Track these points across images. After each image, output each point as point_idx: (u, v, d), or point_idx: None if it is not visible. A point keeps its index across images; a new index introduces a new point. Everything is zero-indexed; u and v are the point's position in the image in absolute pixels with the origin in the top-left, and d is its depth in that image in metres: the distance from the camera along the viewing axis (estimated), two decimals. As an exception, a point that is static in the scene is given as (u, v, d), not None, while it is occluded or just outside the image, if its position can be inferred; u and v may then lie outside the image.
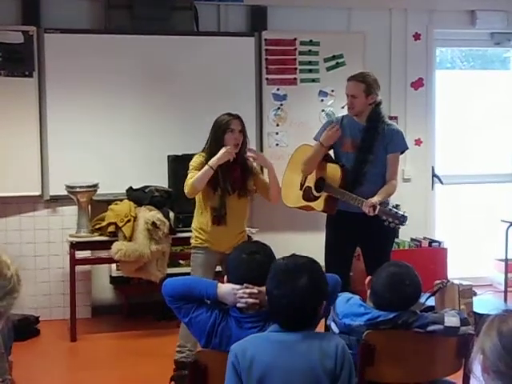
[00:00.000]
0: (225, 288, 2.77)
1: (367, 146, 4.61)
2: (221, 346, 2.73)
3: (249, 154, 4.61)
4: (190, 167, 4.55)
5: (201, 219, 4.60)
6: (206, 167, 4.41)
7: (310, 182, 4.82)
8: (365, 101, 4.60)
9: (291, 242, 6.42)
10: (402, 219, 4.28)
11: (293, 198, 4.96)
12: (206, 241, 4.57)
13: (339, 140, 4.71)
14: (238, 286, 2.73)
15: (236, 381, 2.41)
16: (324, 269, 4.47)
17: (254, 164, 4.72)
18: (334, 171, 4.70)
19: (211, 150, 4.51)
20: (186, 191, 4.49)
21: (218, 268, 4.69)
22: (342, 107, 4.83)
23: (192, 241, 4.67)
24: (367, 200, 4.38)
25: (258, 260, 2.78)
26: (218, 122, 4.57)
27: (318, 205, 4.75)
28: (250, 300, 2.70)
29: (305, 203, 4.85)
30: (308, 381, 2.39)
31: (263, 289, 2.69)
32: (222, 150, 4.42)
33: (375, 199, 4.38)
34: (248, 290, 2.71)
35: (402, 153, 4.76)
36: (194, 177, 4.43)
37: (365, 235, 4.63)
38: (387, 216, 4.28)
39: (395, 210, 4.35)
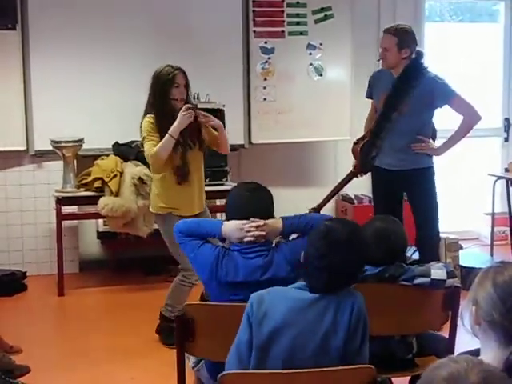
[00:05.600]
0: (229, 225, 2.89)
1: (392, 103, 4.56)
2: (228, 276, 2.83)
3: (206, 121, 4.26)
4: (144, 134, 4.21)
5: (163, 184, 4.31)
6: (167, 137, 4.09)
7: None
8: (398, 55, 4.52)
9: (280, 196, 6.42)
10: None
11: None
12: (173, 208, 4.29)
13: (377, 94, 4.71)
14: (244, 221, 2.85)
15: (249, 331, 2.38)
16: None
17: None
18: None
19: (158, 107, 4.21)
20: (150, 164, 4.24)
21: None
22: (378, 60, 4.77)
23: (155, 209, 4.38)
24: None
25: (261, 196, 2.94)
26: (162, 75, 4.24)
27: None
28: (257, 232, 2.83)
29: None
30: (319, 342, 2.35)
31: (268, 221, 2.87)
32: (180, 116, 4.11)
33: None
34: (255, 224, 2.84)
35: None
36: (155, 149, 4.11)
37: (404, 187, 4.71)
38: None
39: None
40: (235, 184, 5.71)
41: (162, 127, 4.20)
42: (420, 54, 4.65)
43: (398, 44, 4.50)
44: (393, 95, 4.58)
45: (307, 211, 4.94)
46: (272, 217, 2.93)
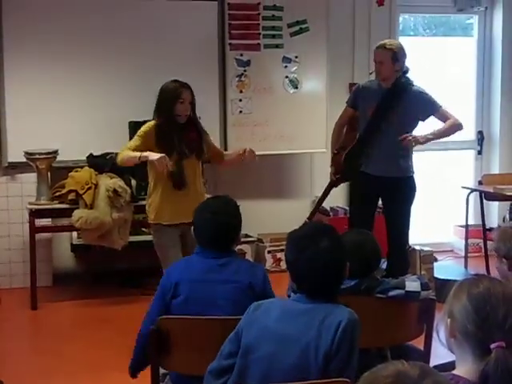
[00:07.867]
0: None
1: (382, 113, 4.77)
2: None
3: (248, 157, 4.47)
4: (138, 133, 4.37)
5: (157, 191, 4.35)
6: (136, 154, 4.19)
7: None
8: (392, 67, 4.74)
9: (256, 209, 6.41)
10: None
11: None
12: (166, 216, 4.32)
13: (364, 104, 4.89)
14: None
15: (234, 339, 2.43)
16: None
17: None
18: None
19: (160, 120, 4.31)
20: (117, 158, 4.42)
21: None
22: (370, 73, 4.95)
23: (151, 217, 4.40)
24: None
25: (222, 221, 2.95)
26: (168, 90, 4.32)
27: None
28: None
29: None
30: (298, 355, 2.32)
31: None
32: (157, 159, 4.13)
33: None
34: None
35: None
36: (125, 154, 4.27)
37: (386, 194, 4.87)
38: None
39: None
40: (210, 196, 5.76)
41: (161, 137, 4.29)
42: (407, 69, 4.87)
43: (392, 58, 4.74)
44: (383, 106, 4.79)
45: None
46: (236, 236, 3.02)
